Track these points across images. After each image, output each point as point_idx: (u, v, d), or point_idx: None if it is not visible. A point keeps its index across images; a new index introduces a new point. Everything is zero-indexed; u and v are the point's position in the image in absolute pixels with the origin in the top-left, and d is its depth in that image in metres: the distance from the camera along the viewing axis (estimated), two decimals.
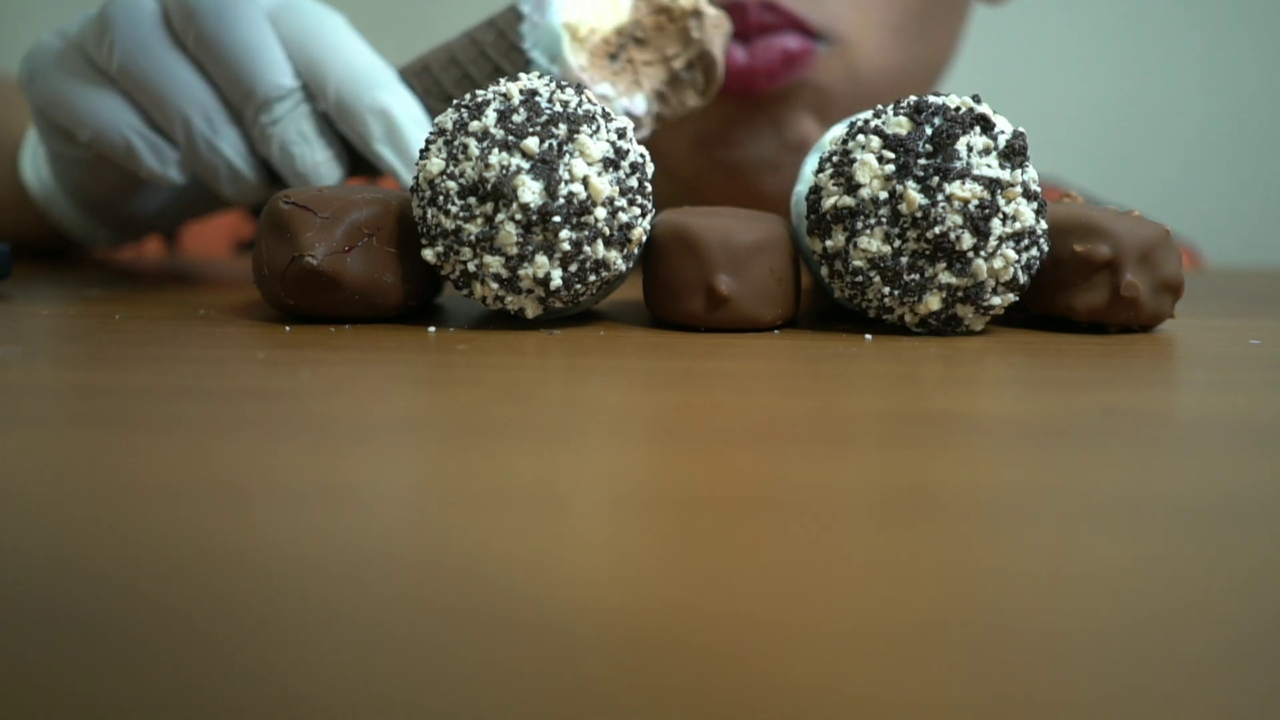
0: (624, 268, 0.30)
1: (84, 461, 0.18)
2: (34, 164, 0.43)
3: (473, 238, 0.29)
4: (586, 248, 0.29)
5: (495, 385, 0.24)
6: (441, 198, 0.29)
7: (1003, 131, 0.30)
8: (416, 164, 0.32)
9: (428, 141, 0.30)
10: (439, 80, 0.37)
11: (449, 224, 0.29)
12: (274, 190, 0.38)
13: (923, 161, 0.29)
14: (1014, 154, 0.29)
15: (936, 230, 0.29)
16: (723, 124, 0.48)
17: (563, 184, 0.28)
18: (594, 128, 0.29)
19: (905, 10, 0.47)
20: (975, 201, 0.29)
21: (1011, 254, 0.29)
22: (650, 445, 0.19)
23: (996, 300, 0.30)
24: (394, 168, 0.36)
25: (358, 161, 0.38)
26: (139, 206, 0.43)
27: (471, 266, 0.29)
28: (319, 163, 0.37)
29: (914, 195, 0.29)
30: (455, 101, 0.30)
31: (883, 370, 0.26)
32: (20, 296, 0.36)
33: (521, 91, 0.29)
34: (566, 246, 0.28)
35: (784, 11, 0.45)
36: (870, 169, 0.29)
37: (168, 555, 0.14)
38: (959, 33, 0.52)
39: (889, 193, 0.29)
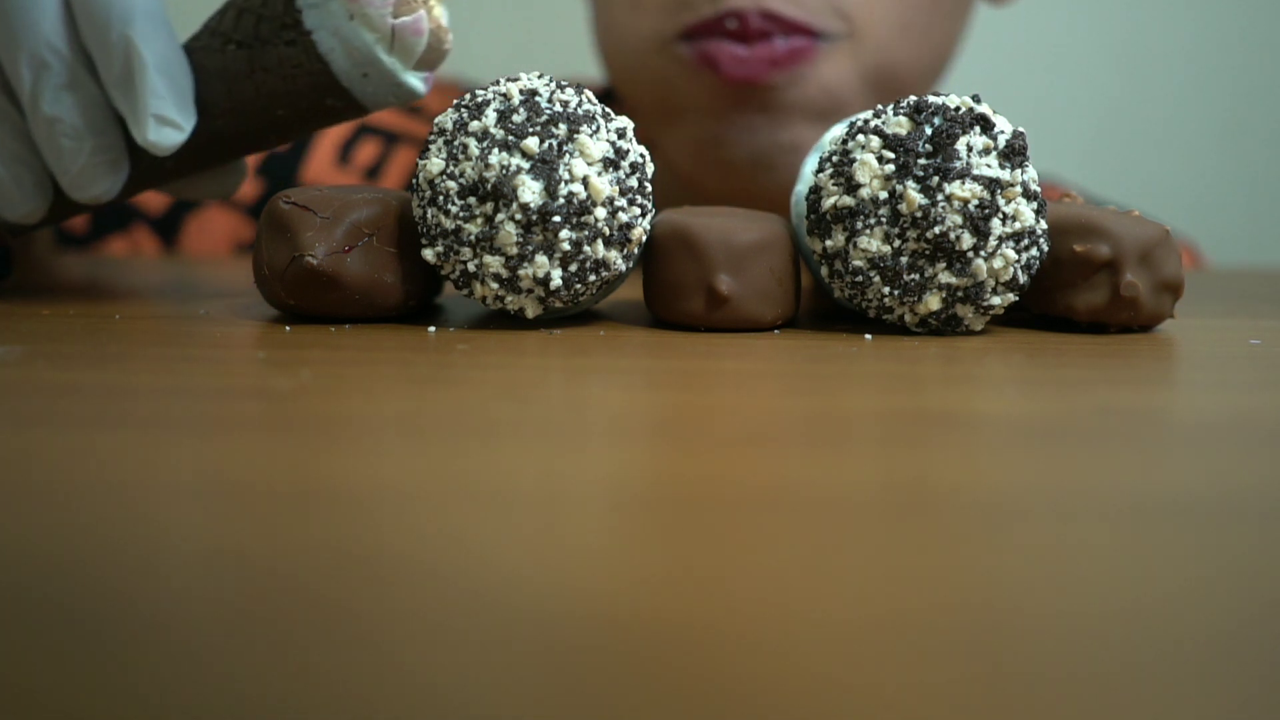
0: (624, 268, 0.30)
1: (84, 461, 0.18)
2: None
3: (473, 238, 0.29)
4: (586, 248, 0.29)
5: (495, 385, 0.24)
6: (441, 198, 0.29)
7: (1002, 131, 0.30)
8: (152, 118, 0.30)
9: (428, 141, 0.30)
10: (211, 26, 0.32)
11: (449, 224, 0.29)
12: (47, 208, 0.33)
13: (923, 161, 0.29)
14: (1014, 154, 0.29)
15: (936, 230, 0.29)
16: (720, 121, 0.48)
17: (563, 184, 0.28)
18: (594, 127, 0.29)
19: (913, 6, 0.47)
20: (975, 201, 0.29)
21: (1011, 254, 0.29)
22: (650, 445, 0.19)
23: (996, 300, 0.30)
24: (125, 115, 0.31)
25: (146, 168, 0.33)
26: None
27: (471, 266, 0.29)
28: (84, 165, 0.31)
29: (914, 195, 0.29)
30: (455, 101, 0.30)
31: (883, 370, 0.26)
32: (20, 296, 0.36)
33: (521, 91, 0.29)
34: (566, 246, 0.28)
35: (785, 20, 0.44)
36: (870, 169, 0.29)
37: (168, 555, 0.14)
38: (963, 29, 0.52)
39: (889, 193, 0.29)
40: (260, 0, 0.32)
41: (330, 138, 0.61)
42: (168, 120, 0.31)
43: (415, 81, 0.32)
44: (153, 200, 0.60)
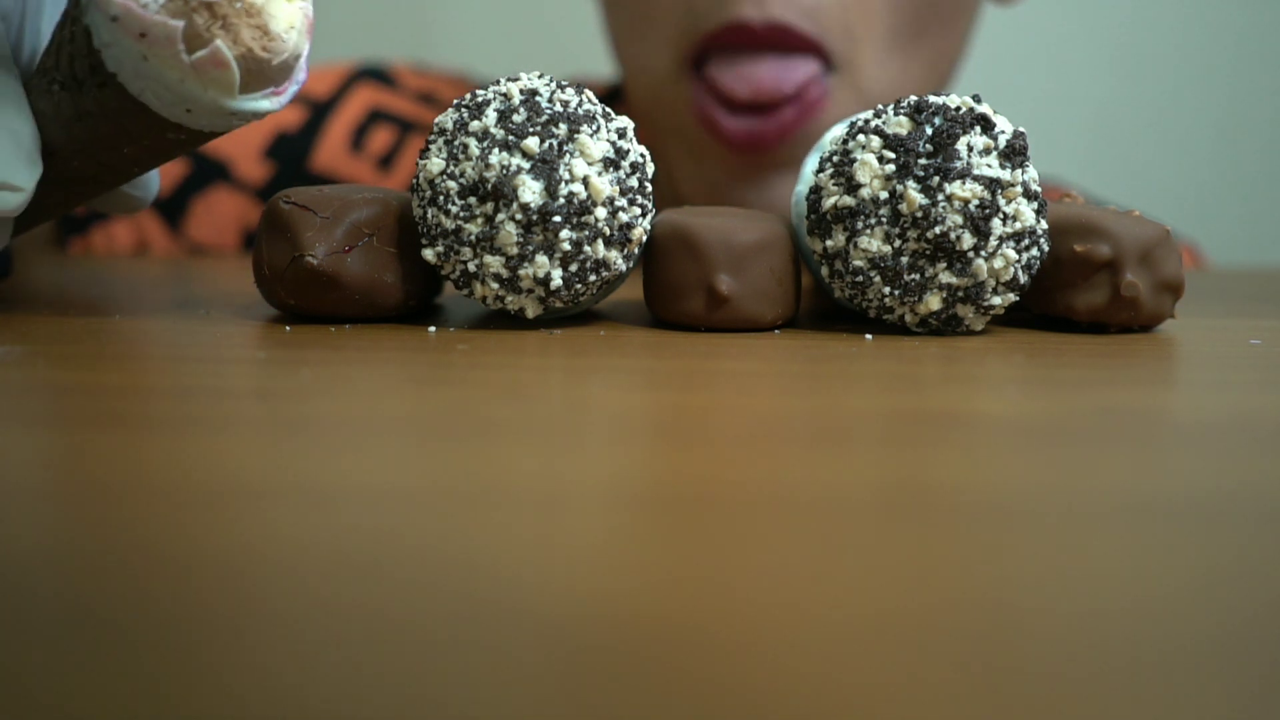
0: (624, 268, 0.30)
1: (84, 461, 0.18)
2: None
3: (473, 238, 0.29)
4: (587, 248, 0.29)
5: (495, 385, 0.24)
6: (442, 197, 0.29)
7: (1003, 131, 0.30)
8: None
9: (428, 141, 0.30)
10: (42, 61, 0.30)
11: (449, 224, 0.29)
12: None
13: (923, 161, 0.29)
14: (1014, 154, 0.29)
15: (937, 230, 0.29)
16: (730, 175, 0.48)
17: (563, 184, 0.28)
18: (594, 127, 0.29)
19: (898, 21, 0.47)
20: (975, 201, 0.29)
21: (1012, 254, 0.29)
22: (650, 445, 0.19)
23: (997, 300, 0.30)
24: None
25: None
26: None
27: (472, 266, 0.29)
28: None
29: (914, 195, 0.29)
30: (455, 101, 0.30)
31: (883, 370, 0.26)
32: (20, 296, 0.36)
33: (522, 91, 0.29)
34: (567, 246, 0.28)
35: (790, 30, 0.44)
36: (870, 169, 0.29)
37: (168, 555, 0.14)
38: (965, 35, 0.51)
39: (889, 193, 0.29)
40: (69, 35, 0.28)
41: (343, 123, 0.60)
42: (2, 184, 0.28)
43: (254, 105, 0.29)
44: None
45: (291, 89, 0.29)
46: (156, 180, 0.34)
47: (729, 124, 0.45)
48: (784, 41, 0.44)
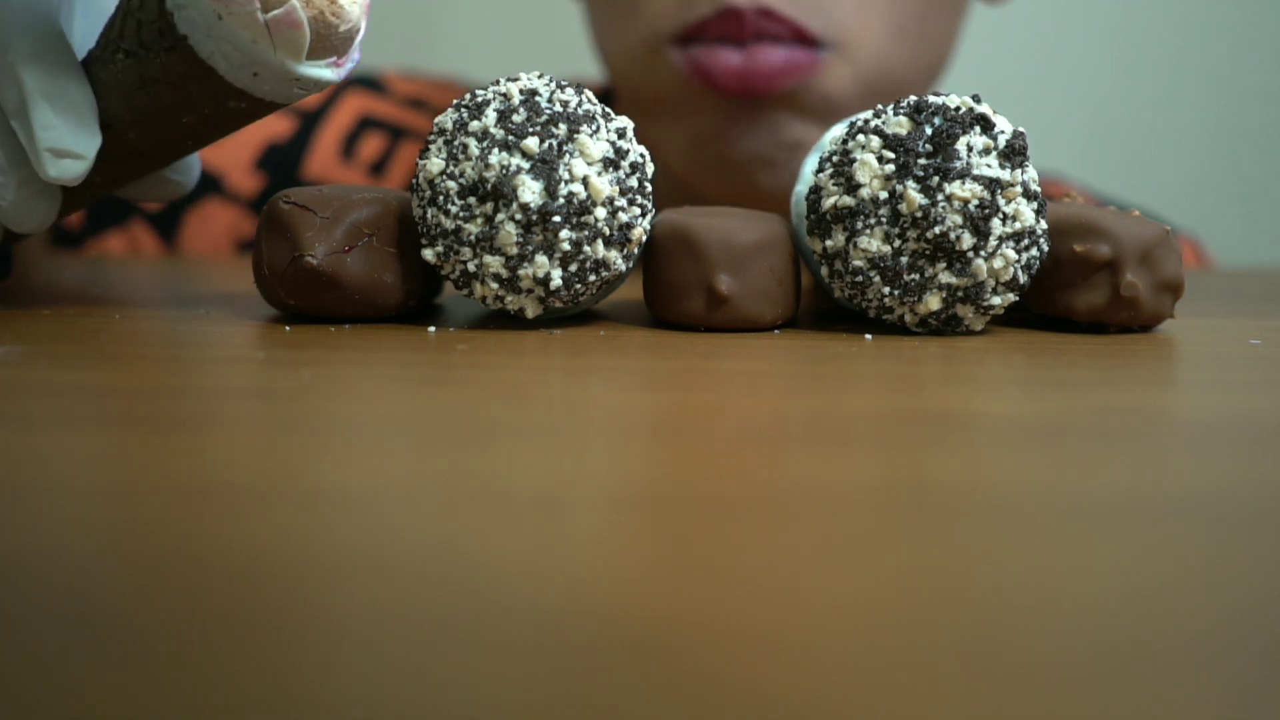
0: (624, 268, 0.30)
1: (84, 461, 0.18)
2: None
3: (473, 238, 0.29)
4: (586, 248, 0.29)
5: (495, 385, 0.24)
6: (441, 198, 0.29)
7: (1003, 131, 0.30)
8: (46, 153, 0.28)
9: (428, 141, 0.30)
10: (105, 32, 0.30)
11: (449, 224, 0.29)
12: None
13: (923, 161, 0.29)
14: (1014, 154, 0.29)
15: (936, 230, 0.29)
16: (720, 121, 0.48)
17: (563, 184, 0.28)
18: (594, 127, 0.29)
19: (907, 12, 0.47)
20: (975, 201, 0.29)
21: (1011, 254, 0.29)
22: (650, 445, 0.19)
23: (996, 300, 0.30)
24: (27, 150, 0.29)
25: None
26: None
27: (471, 266, 0.29)
28: (14, 199, 0.30)
29: (914, 195, 0.29)
30: (455, 101, 0.30)
31: (883, 370, 0.26)
32: (20, 296, 0.36)
33: (521, 91, 0.29)
34: (566, 246, 0.28)
35: (781, 18, 0.44)
36: (870, 169, 0.29)
37: (168, 555, 0.14)
38: (958, 30, 0.52)
39: (889, 193, 0.29)
40: (138, 3, 0.29)
41: (333, 131, 0.61)
42: (64, 152, 0.29)
43: (318, 72, 0.29)
44: None
45: (348, 65, 0.30)
46: (197, 166, 0.35)
47: (722, 60, 0.45)
48: (771, 30, 0.44)
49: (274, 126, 0.60)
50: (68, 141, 0.29)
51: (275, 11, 0.28)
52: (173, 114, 0.30)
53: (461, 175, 0.29)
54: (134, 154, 0.31)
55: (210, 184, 0.60)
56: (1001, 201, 0.29)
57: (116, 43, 0.30)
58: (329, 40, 0.29)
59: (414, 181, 0.30)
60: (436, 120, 0.30)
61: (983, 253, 0.29)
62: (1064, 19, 1.04)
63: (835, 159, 0.30)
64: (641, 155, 0.30)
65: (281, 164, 0.60)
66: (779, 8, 0.44)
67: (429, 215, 0.29)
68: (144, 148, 0.31)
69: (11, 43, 0.29)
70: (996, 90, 0.97)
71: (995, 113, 0.30)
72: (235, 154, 0.60)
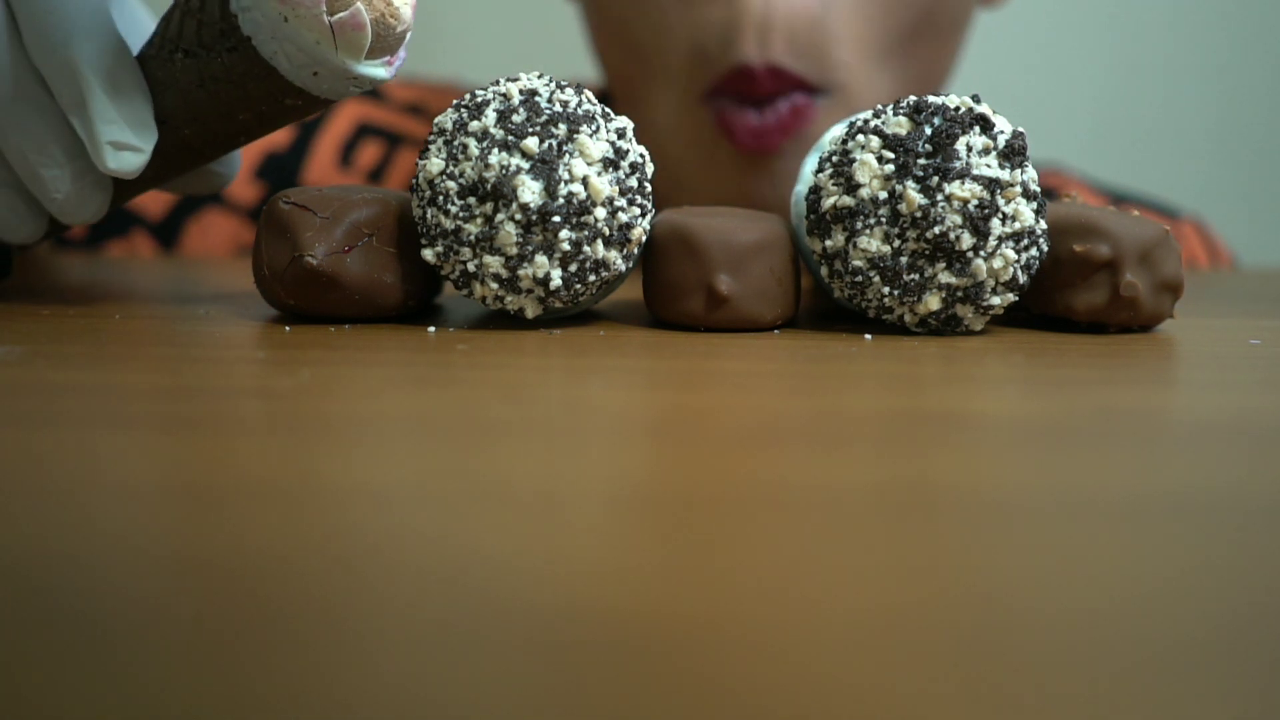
0: (624, 268, 0.30)
1: (83, 461, 0.18)
2: None
3: (473, 238, 0.29)
4: (586, 248, 0.29)
5: (495, 385, 0.24)
6: (441, 198, 0.29)
7: (1002, 131, 0.30)
8: (107, 145, 0.29)
9: (428, 141, 0.30)
10: (161, 32, 0.31)
11: (449, 224, 0.29)
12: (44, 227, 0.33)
13: (922, 161, 0.29)
14: (1013, 154, 0.29)
15: (936, 230, 0.29)
16: (747, 177, 0.49)
17: (562, 184, 0.28)
18: (594, 128, 0.29)
19: (888, 35, 0.48)
20: (975, 201, 0.29)
21: (1011, 254, 0.29)
22: (650, 445, 0.19)
23: (996, 300, 0.30)
24: (83, 139, 0.30)
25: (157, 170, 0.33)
26: None
27: (471, 266, 0.29)
28: (68, 192, 0.31)
29: (914, 195, 0.29)
30: (455, 102, 0.30)
31: (883, 370, 0.26)
32: (20, 296, 0.36)
33: (521, 91, 0.29)
34: (566, 246, 0.28)
35: (789, 75, 0.45)
36: (870, 169, 0.29)
37: (168, 555, 0.14)
38: (958, 43, 0.52)
39: (889, 193, 0.29)
40: (199, 4, 0.30)
41: (331, 139, 0.61)
42: (124, 145, 0.30)
43: (373, 71, 0.30)
44: (152, 205, 0.60)
45: (398, 63, 0.31)
46: (239, 160, 0.36)
47: (742, 120, 0.46)
48: (781, 86, 0.45)
49: (272, 136, 0.60)
50: (128, 135, 0.30)
51: (340, 14, 0.29)
52: (229, 111, 0.31)
53: (461, 175, 0.29)
54: (186, 149, 0.32)
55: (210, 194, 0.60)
56: (1001, 201, 0.29)
57: (175, 42, 0.31)
58: (386, 40, 0.30)
59: (414, 181, 0.30)
60: (436, 120, 0.30)
61: (982, 253, 0.29)
62: (1065, 8, 1.04)
63: (835, 159, 0.30)
64: (641, 155, 0.30)
65: (281, 172, 0.61)
66: (787, 64, 0.45)
67: (429, 215, 0.29)
68: (197, 143, 0.32)
69: (72, 40, 0.29)
70: (996, 82, 0.97)
71: (995, 113, 0.30)
72: None
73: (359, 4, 0.29)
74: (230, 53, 0.30)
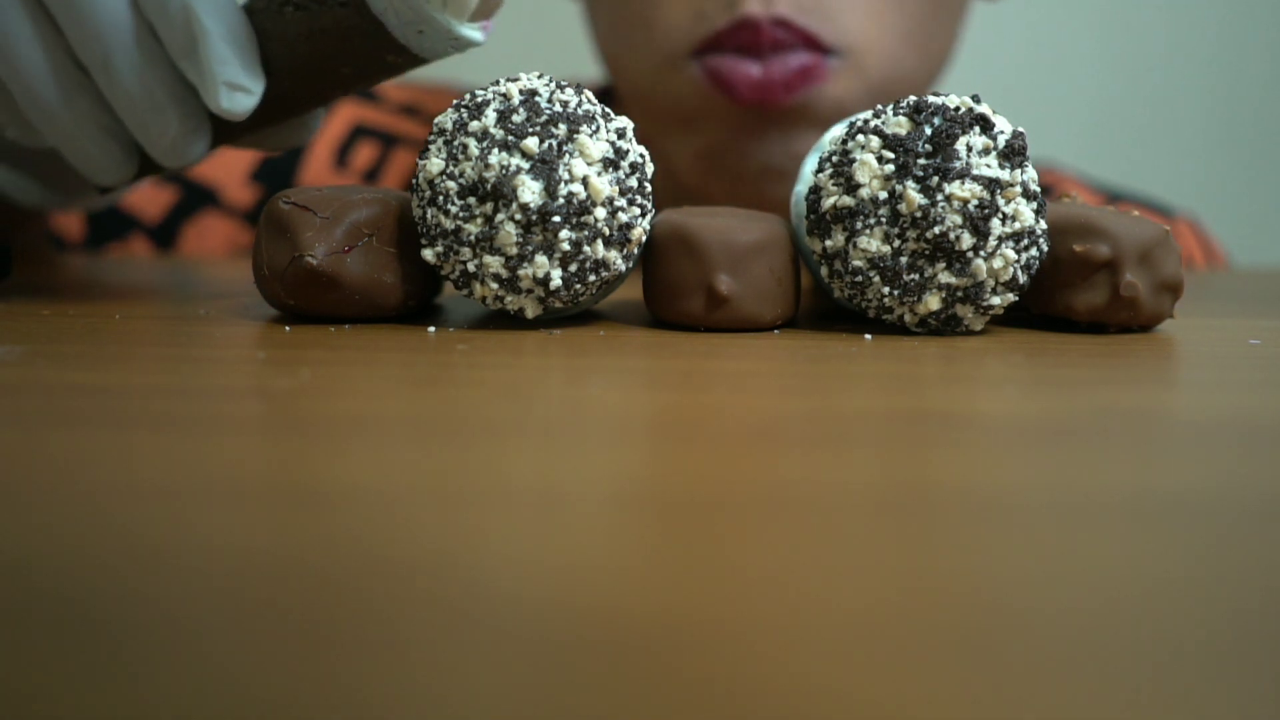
0: (624, 268, 0.30)
1: (84, 461, 0.18)
2: None
3: (473, 238, 0.29)
4: (586, 248, 0.29)
5: (495, 385, 0.24)
6: (441, 198, 0.29)
7: (1002, 131, 0.30)
8: (222, 85, 0.30)
9: (428, 141, 0.30)
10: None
11: (449, 224, 0.29)
12: (133, 169, 0.34)
13: (922, 161, 0.29)
14: (1013, 154, 0.29)
15: (936, 230, 0.29)
16: (733, 133, 0.48)
17: (562, 184, 0.28)
18: (594, 127, 0.29)
19: (913, 17, 0.47)
20: (975, 201, 0.29)
21: (1011, 254, 0.29)
22: (650, 445, 0.19)
23: (996, 300, 0.30)
24: (197, 86, 0.31)
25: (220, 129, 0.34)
26: (44, 155, 0.39)
27: (471, 266, 0.29)
28: (174, 135, 0.32)
29: (914, 195, 0.29)
30: (455, 102, 0.30)
31: (883, 370, 0.26)
32: (20, 296, 0.36)
33: (521, 91, 0.29)
34: (566, 246, 0.28)
35: (797, 28, 0.45)
36: (870, 169, 0.29)
37: (168, 555, 0.14)
38: (960, 31, 0.52)
39: (889, 193, 0.29)
40: None
41: (327, 141, 0.61)
42: (238, 86, 0.31)
43: (473, 33, 0.32)
44: (150, 208, 0.60)
45: (490, 28, 0.33)
46: (322, 116, 0.37)
47: (742, 71, 0.45)
48: (786, 41, 0.45)
49: None
50: (241, 76, 0.31)
51: None
52: (331, 65, 0.32)
53: (461, 175, 0.29)
54: (282, 100, 0.33)
55: (207, 197, 0.60)
56: (1001, 201, 0.29)
57: None
58: (487, 4, 0.32)
59: (414, 181, 0.30)
60: (436, 120, 0.30)
61: (982, 253, 0.29)
62: (1060, 7, 1.04)
63: (835, 159, 0.30)
64: (641, 155, 0.30)
65: (277, 175, 0.61)
66: (793, 17, 0.44)
67: (429, 215, 0.29)
68: (294, 95, 0.33)
69: None
70: (990, 80, 0.97)
71: (995, 113, 0.30)
72: (231, 167, 0.61)
73: None
74: (342, 6, 0.31)
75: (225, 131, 0.34)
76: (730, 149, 0.48)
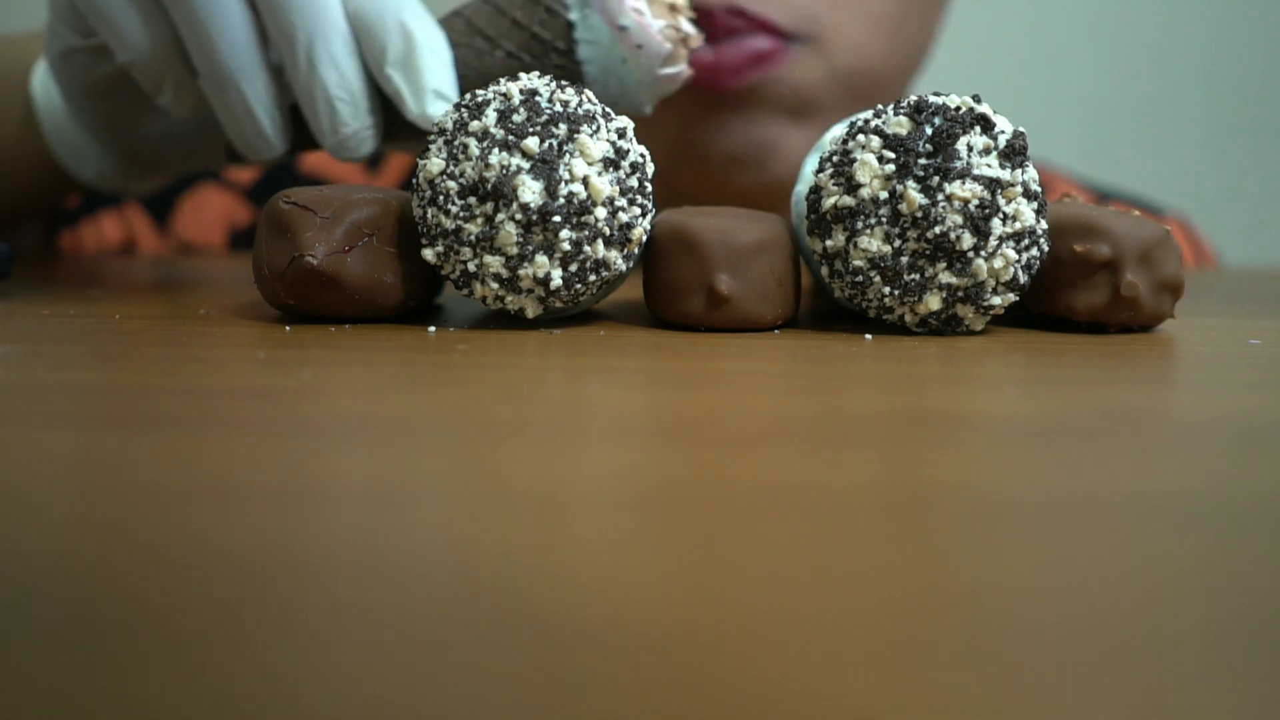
0: (624, 268, 0.30)
1: (84, 461, 0.18)
2: (44, 84, 0.42)
3: (473, 238, 0.29)
4: (586, 248, 0.29)
5: (495, 385, 0.24)
6: (441, 197, 0.29)
7: (1003, 131, 0.30)
8: (431, 92, 0.32)
9: (428, 141, 0.30)
10: (470, 21, 0.35)
11: (449, 224, 0.29)
12: (286, 153, 0.36)
13: (923, 161, 0.29)
14: (1014, 154, 0.29)
15: (936, 230, 0.29)
16: (692, 119, 0.48)
17: (563, 184, 0.28)
18: (594, 127, 0.29)
19: (885, 5, 0.47)
20: (975, 201, 0.29)
21: (1011, 254, 0.29)
22: (650, 445, 0.19)
23: (996, 300, 0.30)
24: (400, 92, 0.34)
25: (390, 129, 0.36)
26: (148, 132, 0.41)
27: (471, 266, 0.29)
28: (357, 129, 0.34)
29: (914, 195, 0.29)
30: (456, 101, 0.30)
31: (883, 370, 0.26)
32: (20, 296, 0.36)
33: (521, 91, 0.29)
34: (566, 246, 0.28)
35: (752, 16, 0.44)
36: (870, 169, 0.29)
37: (168, 555, 0.14)
38: (939, 24, 0.51)
39: (889, 193, 0.29)
40: (539, 20, 0.33)
41: None
42: (443, 95, 0.33)
43: (646, 108, 0.35)
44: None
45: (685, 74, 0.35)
46: None
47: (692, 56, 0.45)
48: (741, 28, 0.44)
49: None
50: (443, 85, 0.34)
51: (668, 70, 0.33)
52: None
53: (461, 175, 0.29)
54: None
55: (206, 170, 0.60)
56: (1001, 201, 0.29)
57: (496, 41, 0.34)
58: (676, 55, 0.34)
59: (414, 181, 0.30)
60: (437, 120, 0.30)
61: (983, 253, 0.29)
62: (1054, 6, 1.04)
63: (835, 159, 0.30)
64: (641, 155, 0.30)
65: None
66: (747, 5, 0.44)
67: (429, 215, 0.29)
68: None
69: (404, 7, 0.33)
70: (984, 78, 0.97)
71: (995, 113, 0.30)
72: None
73: (683, 65, 0.33)
74: (556, 67, 0.34)
75: (387, 139, 0.36)
76: (692, 136, 0.48)
